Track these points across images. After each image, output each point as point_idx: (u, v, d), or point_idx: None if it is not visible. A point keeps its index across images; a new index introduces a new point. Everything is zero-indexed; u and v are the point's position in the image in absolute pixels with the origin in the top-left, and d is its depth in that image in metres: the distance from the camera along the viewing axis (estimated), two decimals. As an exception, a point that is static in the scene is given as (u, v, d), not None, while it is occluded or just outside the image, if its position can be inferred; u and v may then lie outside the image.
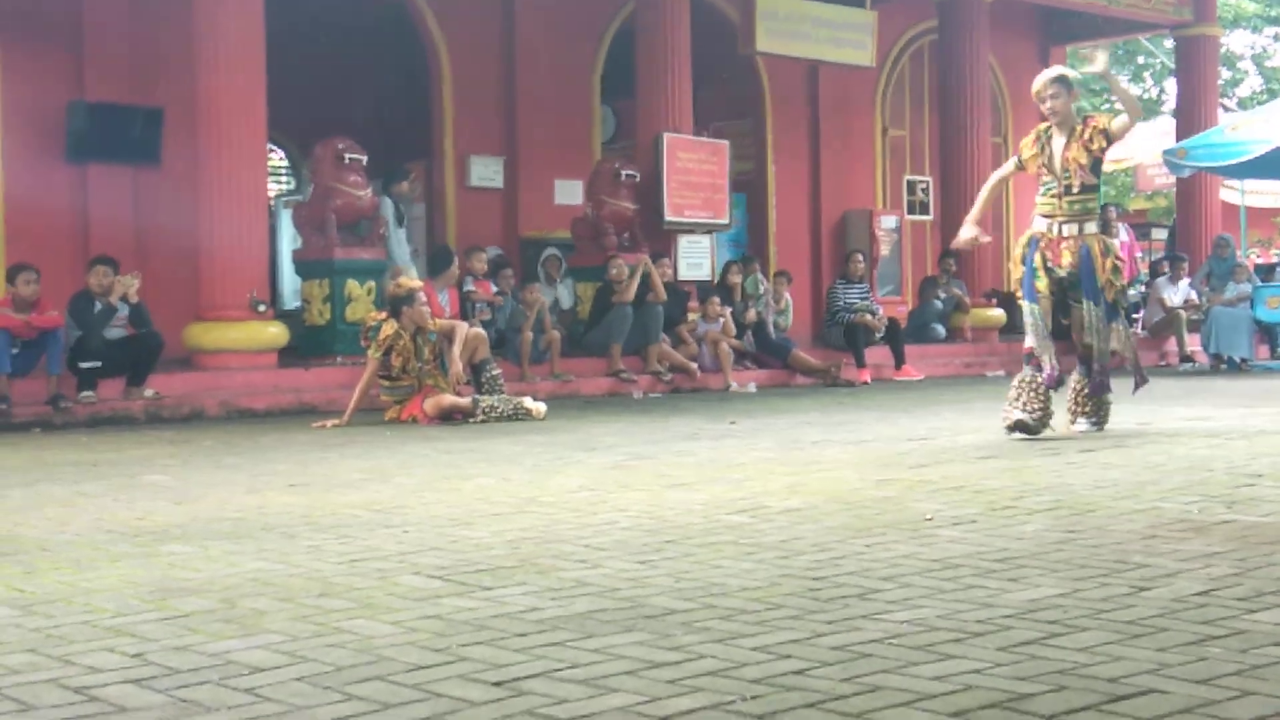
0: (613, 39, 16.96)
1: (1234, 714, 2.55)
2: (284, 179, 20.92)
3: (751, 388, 13.81)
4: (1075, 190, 7.87)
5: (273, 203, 17.21)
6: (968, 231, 8.44)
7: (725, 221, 15.69)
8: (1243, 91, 36.29)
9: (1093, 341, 7.98)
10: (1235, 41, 36.14)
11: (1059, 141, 7.88)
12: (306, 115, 17.11)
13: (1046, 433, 7.93)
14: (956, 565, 4.05)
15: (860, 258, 16.43)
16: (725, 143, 15.87)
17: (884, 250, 18.71)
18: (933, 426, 8.89)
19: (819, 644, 3.14)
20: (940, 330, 17.31)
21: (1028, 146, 8.04)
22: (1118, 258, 8.09)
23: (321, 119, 16.30)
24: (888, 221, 18.87)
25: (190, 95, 11.96)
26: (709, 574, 3.99)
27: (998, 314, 17.64)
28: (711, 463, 7.00)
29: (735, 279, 14.98)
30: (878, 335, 15.45)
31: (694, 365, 13.85)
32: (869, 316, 15.36)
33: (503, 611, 3.55)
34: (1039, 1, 19.34)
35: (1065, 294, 8.01)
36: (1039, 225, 8.00)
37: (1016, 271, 8.19)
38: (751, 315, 14.73)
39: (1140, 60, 35.51)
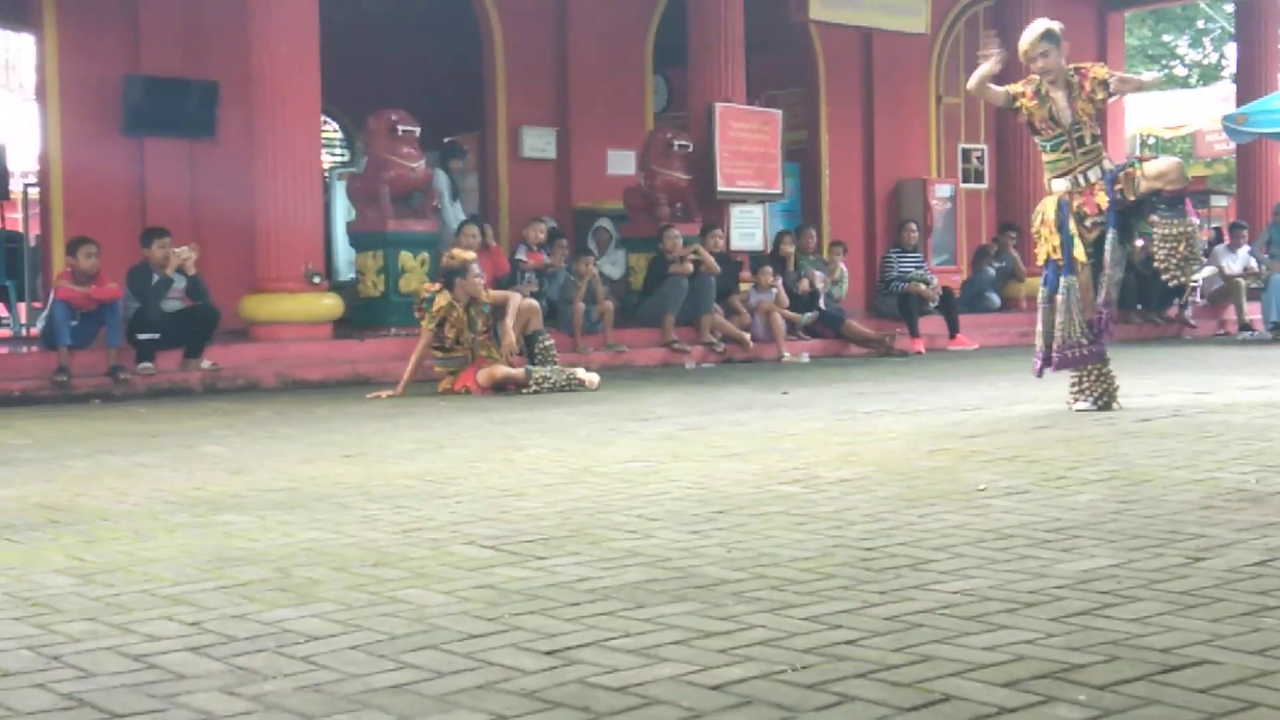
0: (665, 7, 16.90)
1: (1289, 685, 2.53)
2: (338, 151, 21.02)
3: (805, 358, 13.78)
4: (1087, 141, 7.73)
5: (327, 175, 17.28)
6: (986, 65, 7.82)
7: (778, 191, 15.63)
8: (1306, 55, 35.69)
9: (1104, 280, 7.72)
10: (1297, 4, 35.50)
11: (1060, 95, 7.70)
12: (360, 87, 17.17)
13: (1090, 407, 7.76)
14: (1009, 536, 4.03)
15: (914, 227, 16.34)
16: (778, 112, 15.80)
17: (938, 220, 18.59)
18: (986, 396, 8.84)
19: (870, 614, 3.14)
20: (995, 299, 17.20)
21: (1027, 97, 7.73)
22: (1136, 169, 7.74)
23: (375, 91, 16.35)
24: (942, 190, 18.73)
25: (245, 68, 12.02)
26: (760, 544, 4.00)
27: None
28: (764, 433, 7.00)
29: (788, 249, 14.93)
30: (932, 305, 15.37)
31: (747, 335, 13.82)
32: (923, 286, 15.29)
33: (554, 581, 3.57)
34: (1096, -34, 19.11)
35: (1099, 246, 7.71)
36: (1059, 186, 7.78)
37: (1049, 242, 7.77)
38: (805, 285, 14.68)
39: (1200, 25, 35.01)
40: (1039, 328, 7.87)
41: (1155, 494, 4.72)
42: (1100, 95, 7.71)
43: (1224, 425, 6.75)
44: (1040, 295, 7.90)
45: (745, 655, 2.83)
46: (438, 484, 5.43)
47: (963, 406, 8.16)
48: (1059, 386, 8.90)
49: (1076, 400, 7.79)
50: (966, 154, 19.43)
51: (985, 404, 8.29)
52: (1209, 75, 34.82)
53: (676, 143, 14.46)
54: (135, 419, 8.73)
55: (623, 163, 16.21)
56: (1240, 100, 19.25)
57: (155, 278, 10.85)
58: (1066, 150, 7.75)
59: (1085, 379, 7.78)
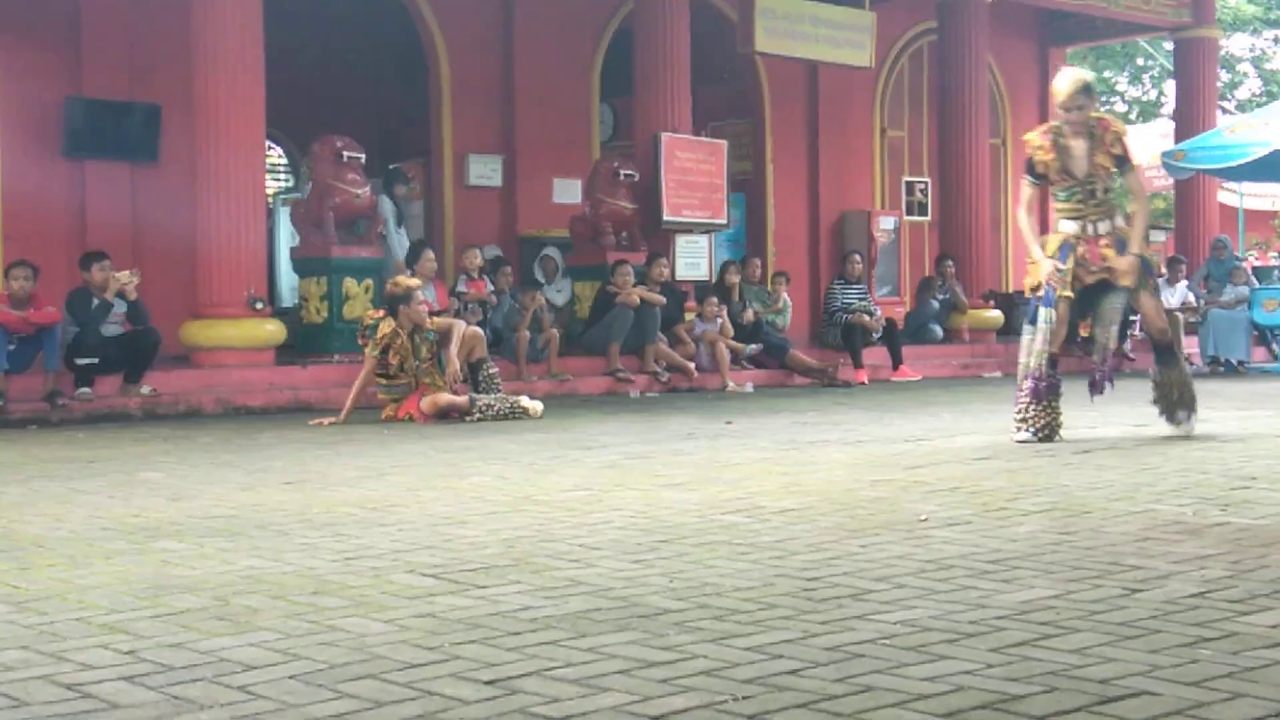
0: (612, 37, 16.97)
1: (1225, 716, 2.56)
2: (282, 176, 20.93)
3: (749, 388, 13.82)
4: (1100, 193, 7.79)
5: (271, 200, 17.20)
6: (1046, 266, 7.86)
7: (723, 221, 15.69)
8: (1242, 94, 36.32)
9: (1103, 335, 7.92)
10: (1234, 44, 36.14)
11: (1079, 145, 7.72)
12: (305, 113, 17.12)
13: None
14: (950, 566, 4.05)
15: (858, 258, 16.45)
16: (723, 142, 15.88)
17: (882, 251, 18.72)
18: (929, 427, 8.89)
19: (812, 644, 3.14)
20: (938, 331, 17.33)
21: (1043, 150, 7.77)
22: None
23: (320, 117, 16.31)
24: (886, 222, 18.88)
25: (188, 91, 11.96)
26: (703, 574, 4.00)
27: (995, 315, 17.66)
28: (707, 462, 7.01)
29: (733, 279, 14.99)
30: (875, 336, 15.47)
31: (691, 365, 13.85)
32: (866, 317, 15.38)
33: (496, 610, 3.55)
34: (1038, 3, 19.34)
35: (1092, 294, 7.85)
36: (1068, 228, 7.84)
37: (1037, 275, 7.86)
38: (749, 315, 14.74)
39: (1140, 62, 35.52)
40: (1038, 345, 7.89)
41: (1094, 525, 4.75)
42: (1117, 149, 7.72)
43: (1162, 458, 6.82)
44: (1041, 315, 7.86)
45: (687, 685, 2.82)
46: (379, 511, 5.39)
47: (905, 437, 8.21)
48: (1001, 418, 8.98)
49: (1019, 430, 7.84)
50: (910, 186, 19.60)
51: (928, 435, 8.34)
52: (1148, 112, 35.30)
53: (622, 172, 14.49)
54: (73, 444, 8.63)
55: (568, 191, 16.23)
56: (1179, 137, 19.54)
57: (95, 302, 10.74)
58: (1080, 201, 7.80)
59: (1028, 410, 7.83)
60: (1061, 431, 7.84)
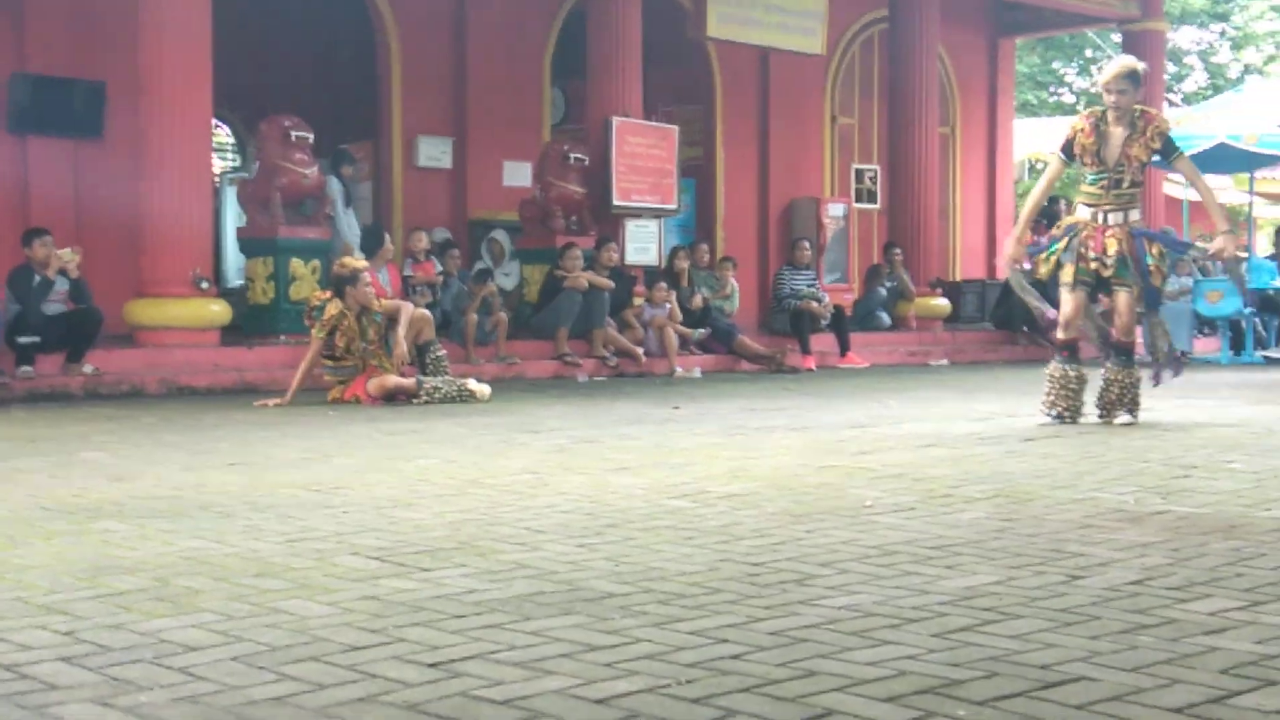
0: (564, 21, 16.92)
1: (1163, 702, 2.58)
2: (229, 155, 20.76)
3: (696, 373, 13.84)
4: (1125, 185, 7.87)
5: (218, 179, 17.06)
6: (1007, 251, 8.28)
7: (673, 206, 15.69)
8: (1188, 87, 36.66)
9: (1147, 327, 8.19)
10: (1181, 37, 36.48)
11: (1118, 132, 7.81)
12: (254, 92, 16.98)
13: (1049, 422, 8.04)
14: (894, 552, 4.07)
15: (807, 245, 16.49)
16: (674, 128, 15.87)
17: (830, 238, 18.78)
18: (875, 414, 8.93)
19: (756, 629, 3.15)
20: (885, 318, 17.40)
21: (1084, 133, 7.87)
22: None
23: (269, 96, 16.18)
24: (835, 209, 18.94)
25: (134, 68, 11.82)
26: (648, 558, 4.00)
27: (942, 303, 17.76)
28: (654, 447, 7.01)
29: (682, 264, 15.00)
30: (823, 322, 15.52)
31: (639, 350, 13.85)
32: (815, 304, 15.43)
33: (441, 593, 3.54)
34: (988, -7, 19.44)
35: (1098, 282, 8.00)
36: (1081, 214, 7.99)
37: (1047, 264, 8.10)
38: (698, 301, 14.76)
39: (1088, 54, 35.77)
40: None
41: (1037, 513, 4.79)
42: (1156, 144, 7.82)
43: (1105, 446, 6.88)
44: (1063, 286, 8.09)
45: (631, 669, 2.82)
46: (324, 494, 5.37)
47: (852, 424, 8.24)
48: (948, 405, 9.04)
49: (1114, 414, 8.06)
50: (860, 174, 19.66)
51: (874, 422, 8.38)
52: (1095, 104, 35.50)
53: (573, 156, 14.46)
54: (13, 424, 8.54)
55: (519, 174, 16.19)
56: (1125, 129, 19.65)
57: (37, 279, 10.62)
58: (1102, 187, 7.89)
59: (1053, 392, 8.05)
60: (1079, 418, 8.07)
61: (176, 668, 2.85)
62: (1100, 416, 8.13)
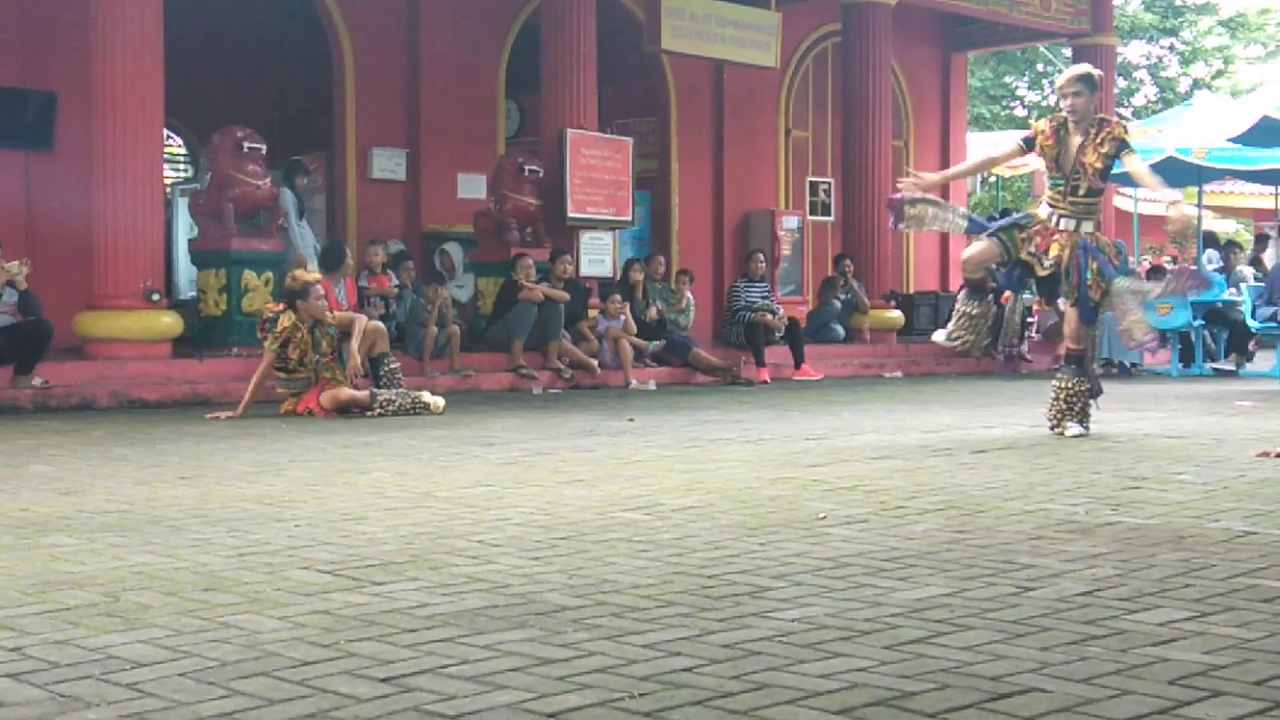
0: (518, 33, 16.91)
1: (1112, 713, 2.60)
2: (182, 167, 20.64)
3: (651, 385, 13.84)
4: (1080, 192, 7.94)
5: (169, 191, 16.95)
6: (908, 182, 8.31)
7: (628, 219, 15.69)
8: (1138, 101, 37.03)
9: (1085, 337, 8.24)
10: (1131, 52, 36.85)
11: (1075, 140, 7.89)
12: (206, 103, 16.89)
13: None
14: (847, 564, 4.08)
15: (761, 257, 16.53)
16: (629, 140, 15.88)
17: (785, 250, 18.84)
18: (829, 426, 8.96)
19: (709, 641, 3.15)
20: (839, 331, 17.46)
21: (1044, 135, 7.98)
22: (1113, 258, 8.11)
23: (222, 107, 16.10)
24: (789, 222, 19.01)
25: (85, 79, 11.73)
26: (602, 571, 3.99)
27: (896, 315, 17.84)
28: (609, 459, 7.01)
29: (637, 276, 15.01)
30: (778, 335, 15.55)
31: (594, 362, 13.84)
32: (769, 316, 15.45)
33: (393, 607, 3.52)
34: (942, 7, 19.56)
35: (1024, 271, 8.10)
36: (1042, 210, 8.10)
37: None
38: (652, 313, 14.76)
39: (1040, 68, 36.07)
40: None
41: (989, 524, 4.82)
42: (1107, 149, 7.84)
43: (1056, 458, 6.93)
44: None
45: (584, 683, 2.81)
46: (276, 507, 5.33)
47: (806, 436, 8.26)
48: (901, 417, 9.09)
49: (1065, 424, 8.17)
50: (814, 186, 19.74)
51: (828, 434, 8.40)
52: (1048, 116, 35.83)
53: (527, 168, 14.44)
54: (-39, 437, 8.44)
55: (473, 186, 16.16)
56: (1076, 142, 19.83)
57: (-15, 291, 10.52)
58: (1060, 192, 7.99)
59: (959, 323, 8.50)
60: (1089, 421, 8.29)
61: (124, 684, 2.82)
62: (1051, 428, 8.20)
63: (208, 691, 2.76)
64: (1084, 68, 8.15)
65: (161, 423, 9.50)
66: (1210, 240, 19.38)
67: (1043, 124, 8.11)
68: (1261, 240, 20.20)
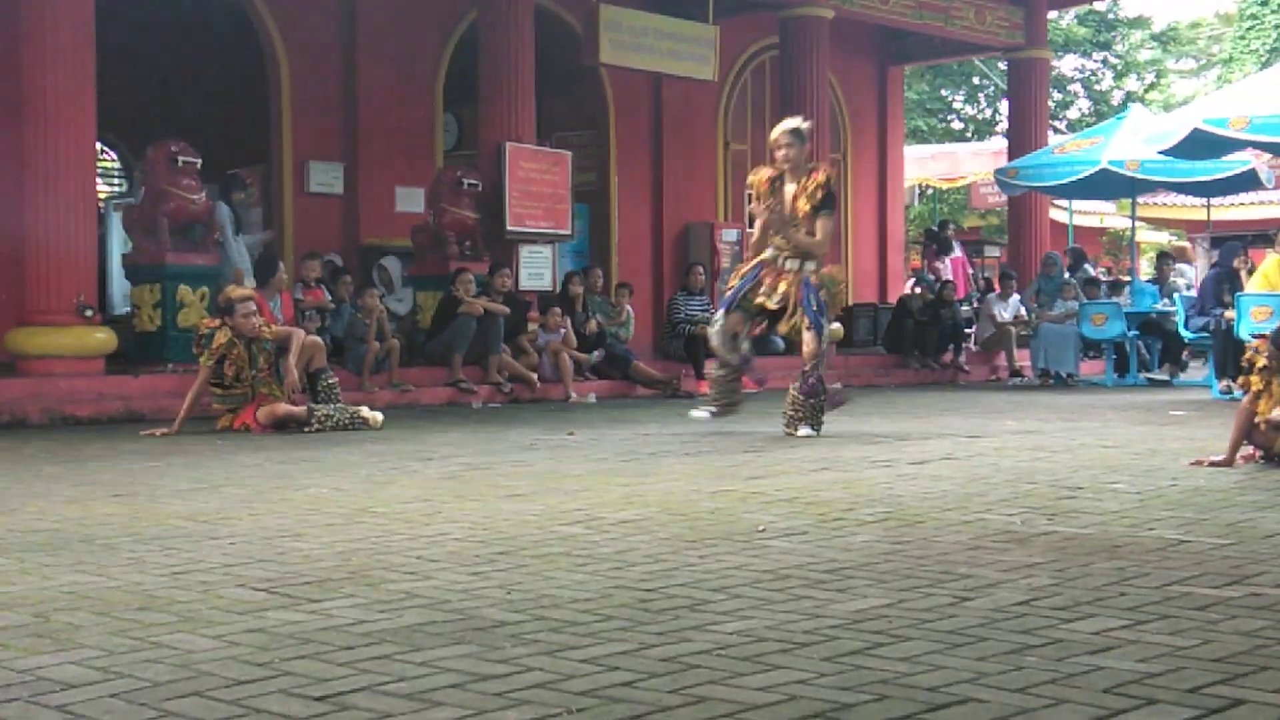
0: (456, 46, 16.87)
1: (1048, 722, 2.61)
2: (116, 181, 20.43)
3: (591, 399, 13.82)
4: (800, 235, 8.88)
5: (103, 205, 16.76)
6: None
7: (567, 232, 15.68)
8: (1072, 114, 37.43)
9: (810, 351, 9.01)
10: (1065, 65, 37.26)
11: (789, 188, 8.78)
12: (140, 116, 16.73)
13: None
14: (786, 576, 4.08)
15: (701, 270, 16.57)
16: (567, 153, 15.87)
17: (725, 263, 18.88)
18: (768, 438, 8.97)
19: (648, 655, 3.14)
20: (779, 343, 17.47)
21: (762, 183, 8.92)
22: (831, 291, 9.00)
23: (156, 120, 15.95)
24: (729, 234, 19.05)
25: (16, 91, 11.58)
26: (540, 585, 3.97)
27: (836, 328, 17.88)
28: (548, 473, 6.98)
29: (576, 289, 15.00)
30: (717, 347, 15.56)
31: (534, 375, 13.82)
32: (709, 328, 15.46)
33: (329, 624, 3.49)
34: (879, 21, 19.69)
35: (772, 316, 9.08)
36: (768, 254, 8.94)
37: (733, 283, 9.30)
38: (592, 326, 14.76)
39: (976, 81, 36.40)
40: (715, 342, 9.47)
41: (927, 535, 4.84)
42: (816, 195, 8.79)
43: (993, 468, 6.98)
44: (717, 316, 9.52)
45: (521, 698, 2.80)
46: (211, 524, 5.27)
47: (745, 448, 8.27)
48: (839, 428, 9.12)
49: (798, 427, 8.94)
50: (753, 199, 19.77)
51: (766, 446, 8.42)
52: (983, 130, 36.20)
53: (466, 181, 14.41)
54: (-111, 456, 8.30)
55: (411, 200, 16.08)
56: (1012, 155, 20.07)
57: (-86, 308, 10.36)
58: (783, 236, 8.89)
59: (713, 389, 9.51)
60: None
61: (54, 705, 2.77)
62: (785, 428, 8.96)
63: (139, 713, 2.72)
64: (794, 122, 9.06)
65: (95, 440, 9.38)
66: (1079, 257, 19.68)
67: (762, 173, 9.04)
68: (1164, 258, 20.51)
